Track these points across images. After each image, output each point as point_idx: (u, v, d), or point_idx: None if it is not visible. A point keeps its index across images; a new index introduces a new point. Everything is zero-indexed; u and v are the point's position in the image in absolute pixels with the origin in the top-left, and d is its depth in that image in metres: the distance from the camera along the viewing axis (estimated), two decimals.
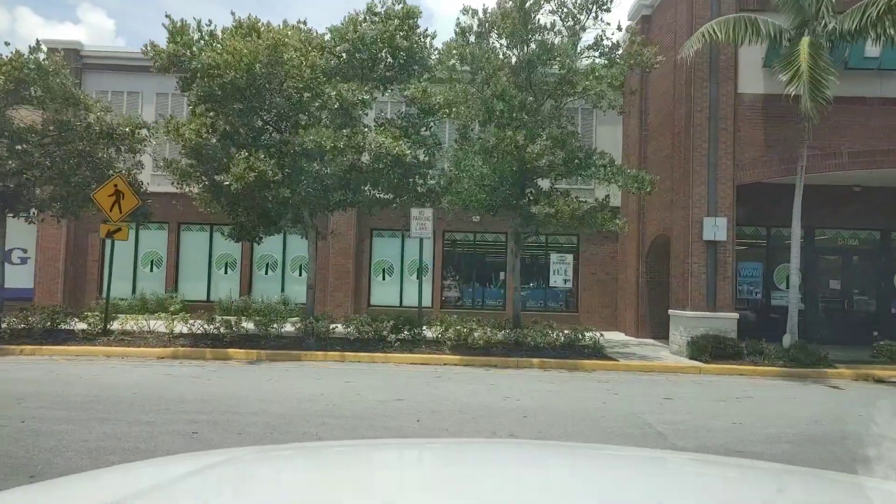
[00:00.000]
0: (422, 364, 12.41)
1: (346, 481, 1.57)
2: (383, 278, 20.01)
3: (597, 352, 13.34)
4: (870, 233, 18.16)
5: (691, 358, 13.62)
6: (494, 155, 12.46)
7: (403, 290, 19.91)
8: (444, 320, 14.03)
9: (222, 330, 13.15)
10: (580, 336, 13.55)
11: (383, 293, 19.90)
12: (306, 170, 12.53)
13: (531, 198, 13.51)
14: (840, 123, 14.11)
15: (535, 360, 12.69)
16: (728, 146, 14.06)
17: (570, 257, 19.91)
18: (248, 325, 13.66)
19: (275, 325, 13.72)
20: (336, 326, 13.94)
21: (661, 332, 17.01)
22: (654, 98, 17.26)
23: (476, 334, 13.11)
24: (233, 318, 13.63)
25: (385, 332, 13.27)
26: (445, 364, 12.49)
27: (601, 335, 13.59)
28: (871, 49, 13.75)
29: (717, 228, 13.90)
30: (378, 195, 14.47)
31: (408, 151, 12.77)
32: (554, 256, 19.94)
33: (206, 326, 13.43)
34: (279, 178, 12.10)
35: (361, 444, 2.72)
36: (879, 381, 12.50)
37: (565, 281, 19.91)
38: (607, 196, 13.89)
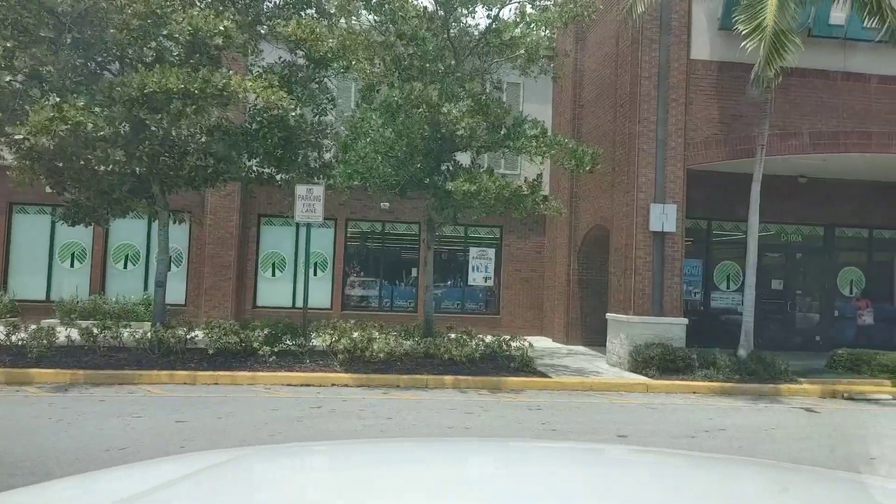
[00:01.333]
0: (302, 385, 9.50)
1: (348, 480, 1.56)
2: (273, 274, 16.83)
3: (524, 365, 10.84)
4: (813, 228, 16.66)
5: (634, 371, 11.38)
6: (400, 114, 9.69)
7: (298, 289, 16.78)
8: (336, 327, 11.14)
9: (29, 341, 9.71)
10: (504, 346, 11.01)
11: (273, 292, 16.72)
12: (149, 125, 9.32)
13: (448, 174, 10.86)
14: (801, 99, 12.26)
15: (449, 378, 10.03)
16: (679, 121, 11.91)
17: (491, 252, 17.43)
18: (73, 334, 10.29)
19: (112, 333, 10.41)
20: (196, 335, 10.76)
21: (594, 337, 14.79)
22: (591, 68, 15.02)
23: (376, 345, 10.31)
24: (49, 324, 10.21)
25: (256, 344, 10.23)
26: (334, 385, 9.63)
27: (529, 344, 11.11)
28: (837, 15, 11.95)
29: (665, 217, 11.72)
30: (256, 168, 11.40)
31: (292, 106, 9.83)
32: (473, 251, 17.39)
33: (11, 336, 9.96)
34: (106, 133, 8.83)
35: (363, 443, 2.76)
36: (849, 398, 10.66)
37: (486, 279, 17.42)
38: (539, 175, 11.41)
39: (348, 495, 1.39)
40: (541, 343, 15.47)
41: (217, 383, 9.31)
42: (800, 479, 1.75)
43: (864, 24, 11.43)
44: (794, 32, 10.80)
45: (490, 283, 17.42)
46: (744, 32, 10.87)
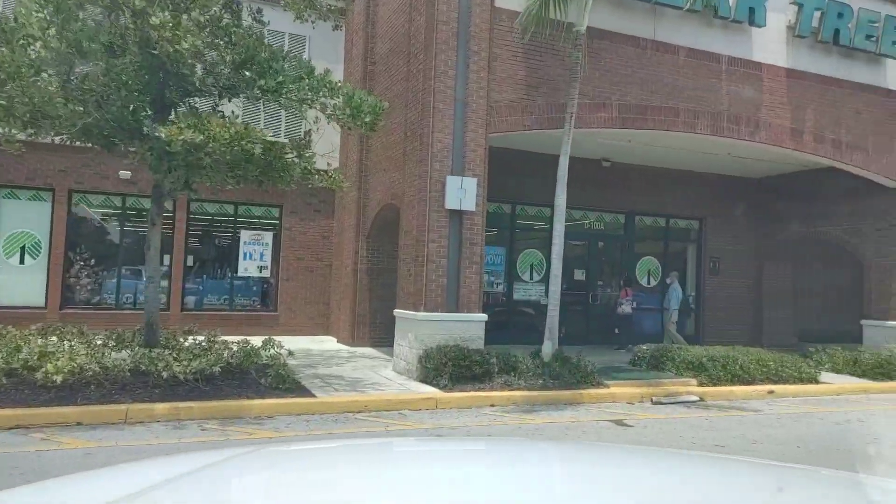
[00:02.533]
0: None
1: (347, 479, 1.54)
2: None
3: (281, 381, 8.11)
4: (615, 216, 15.95)
5: (424, 381, 9.24)
6: (77, 20, 6.47)
7: (2, 284, 12.55)
8: (3, 334, 7.60)
9: None
10: (253, 354, 8.25)
11: None
12: None
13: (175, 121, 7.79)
14: (611, 67, 10.94)
15: (162, 407, 7.05)
16: (481, 78, 9.96)
17: (268, 236, 14.44)
18: None
19: None
20: None
21: (383, 337, 12.53)
22: (385, 17, 12.68)
23: (51, 364, 6.99)
24: None
25: None
26: None
27: (288, 351, 8.46)
28: None
29: (464, 193, 9.71)
30: None
31: None
32: (245, 235, 14.30)
33: None
34: None
35: (361, 442, 2.75)
36: (658, 402, 9.46)
37: (261, 269, 14.40)
38: (308, 132, 8.74)
39: (346, 494, 1.38)
40: (324, 345, 12.96)
41: None
42: (796, 478, 1.73)
43: None
44: None
45: (266, 273, 14.45)
46: None
